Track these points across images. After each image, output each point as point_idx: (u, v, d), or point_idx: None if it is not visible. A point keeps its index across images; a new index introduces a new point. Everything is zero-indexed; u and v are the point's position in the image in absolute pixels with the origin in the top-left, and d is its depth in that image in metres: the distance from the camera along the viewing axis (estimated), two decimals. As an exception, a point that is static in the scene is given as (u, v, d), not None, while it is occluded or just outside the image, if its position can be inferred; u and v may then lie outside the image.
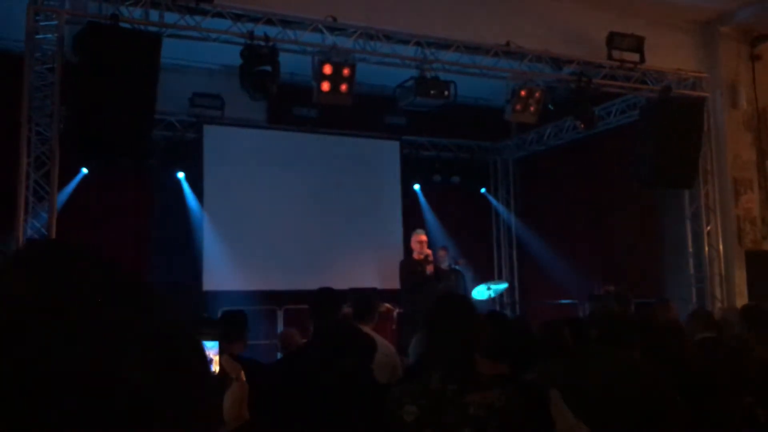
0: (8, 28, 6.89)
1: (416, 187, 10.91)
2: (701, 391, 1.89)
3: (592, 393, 1.33)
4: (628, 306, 6.31)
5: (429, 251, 7.49)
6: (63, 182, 7.33)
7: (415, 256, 7.47)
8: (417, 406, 2.19)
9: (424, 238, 7.56)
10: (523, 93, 7.59)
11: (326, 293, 4.08)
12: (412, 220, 10.22)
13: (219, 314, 6.37)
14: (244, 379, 1.33)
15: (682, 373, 1.78)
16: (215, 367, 1.28)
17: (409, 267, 7.49)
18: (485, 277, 10.64)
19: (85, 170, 8.48)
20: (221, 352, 1.30)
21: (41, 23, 5.89)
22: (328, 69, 6.67)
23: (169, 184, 9.24)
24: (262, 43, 6.29)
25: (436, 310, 2.47)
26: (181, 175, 9.27)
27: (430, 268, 7.39)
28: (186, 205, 9.23)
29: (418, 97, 7.09)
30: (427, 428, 2.17)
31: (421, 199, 10.93)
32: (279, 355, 5.25)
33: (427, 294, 6.89)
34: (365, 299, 4.45)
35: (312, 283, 4.57)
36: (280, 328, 8.28)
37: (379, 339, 3.93)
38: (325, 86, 6.71)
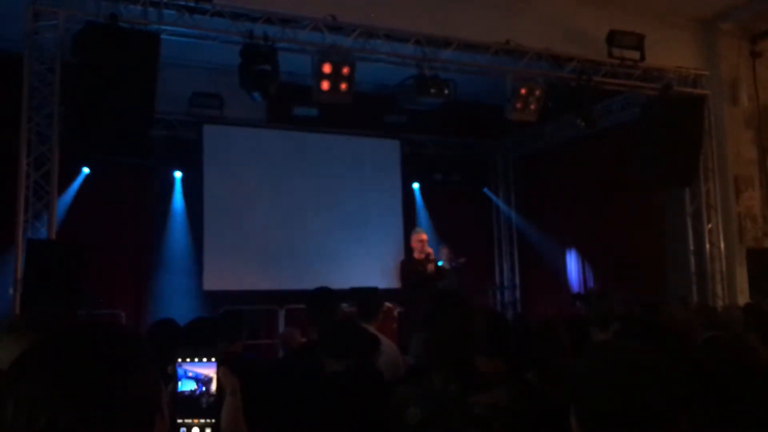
0: (7, 28, 6.88)
1: (415, 185, 10.88)
2: (712, 392, 1.87)
3: (597, 393, 1.31)
4: (610, 304, 6.32)
5: (430, 250, 7.48)
6: (63, 182, 7.31)
7: (416, 255, 7.47)
8: (421, 408, 2.16)
9: (424, 237, 7.56)
10: (523, 91, 7.58)
11: (323, 293, 4.06)
12: (413, 218, 10.21)
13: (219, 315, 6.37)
14: (239, 392, 1.33)
15: (692, 372, 1.77)
16: (213, 386, 1.28)
17: (410, 266, 7.49)
18: (485, 277, 10.67)
19: (86, 170, 8.47)
20: (219, 365, 1.29)
21: (40, 23, 5.87)
22: (327, 68, 6.66)
23: (169, 183, 9.24)
24: (262, 42, 6.28)
25: (434, 308, 2.43)
26: (178, 174, 9.26)
27: (431, 267, 7.39)
28: (183, 205, 9.23)
29: (418, 96, 7.07)
30: (432, 430, 2.14)
31: (418, 197, 10.89)
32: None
33: (428, 293, 6.88)
34: (370, 298, 4.42)
35: (312, 283, 4.55)
36: (281, 327, 8.27)
37: (383, 338, 3.91)
38: (325, 85, 6.70)
